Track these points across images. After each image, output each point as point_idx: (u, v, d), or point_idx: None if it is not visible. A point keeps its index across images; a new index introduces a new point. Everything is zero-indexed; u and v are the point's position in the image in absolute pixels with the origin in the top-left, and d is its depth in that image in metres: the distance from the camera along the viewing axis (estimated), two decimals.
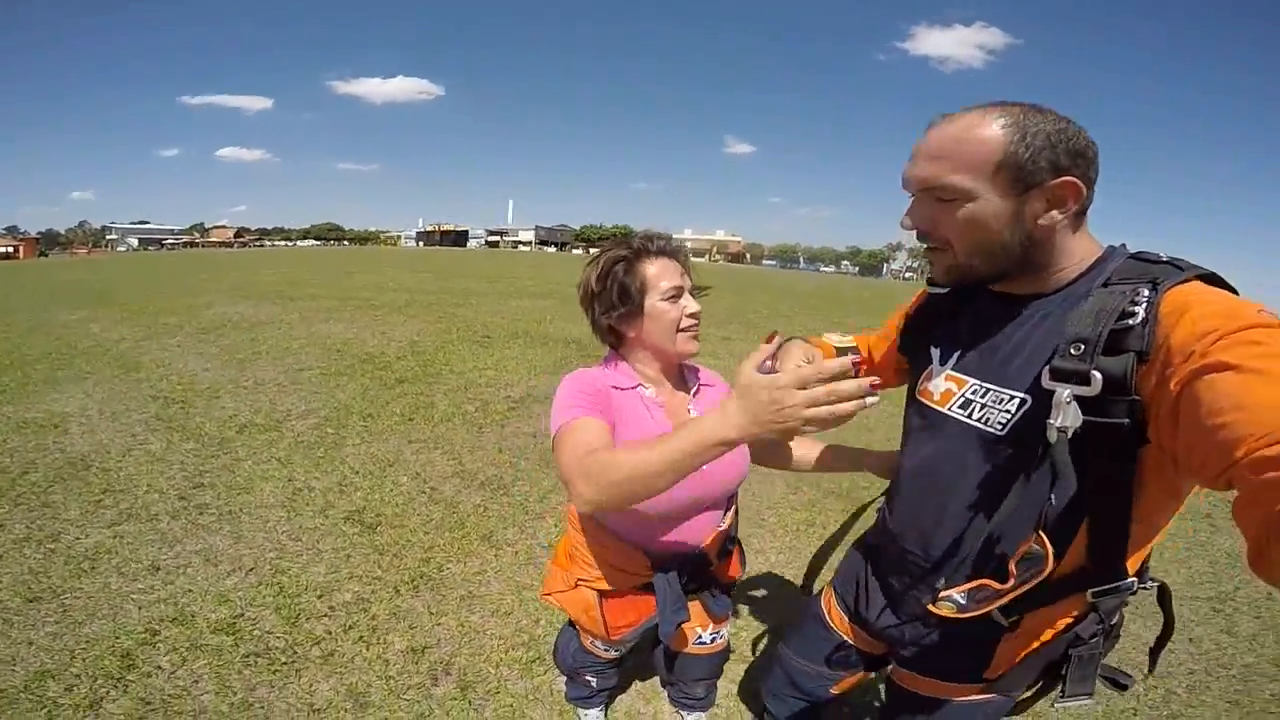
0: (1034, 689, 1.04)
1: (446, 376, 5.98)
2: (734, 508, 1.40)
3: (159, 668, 2.14)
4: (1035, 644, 0.97)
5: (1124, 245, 0.92)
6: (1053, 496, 0.82)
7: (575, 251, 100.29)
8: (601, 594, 1.33)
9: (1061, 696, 0.97)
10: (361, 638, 2.32)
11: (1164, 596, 1.00)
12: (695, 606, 1.43)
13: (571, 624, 1.58)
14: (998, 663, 1.00)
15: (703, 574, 1.35)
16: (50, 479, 3.58)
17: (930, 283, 1.09)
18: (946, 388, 1.01)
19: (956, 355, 1.02)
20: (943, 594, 0.94)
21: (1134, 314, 0.76)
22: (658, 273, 1.24)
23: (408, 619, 2.44)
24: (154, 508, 3.26)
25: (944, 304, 1.09)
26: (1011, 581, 0.86)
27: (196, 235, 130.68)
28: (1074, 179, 0.84)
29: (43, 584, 2.58)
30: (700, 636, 1.49)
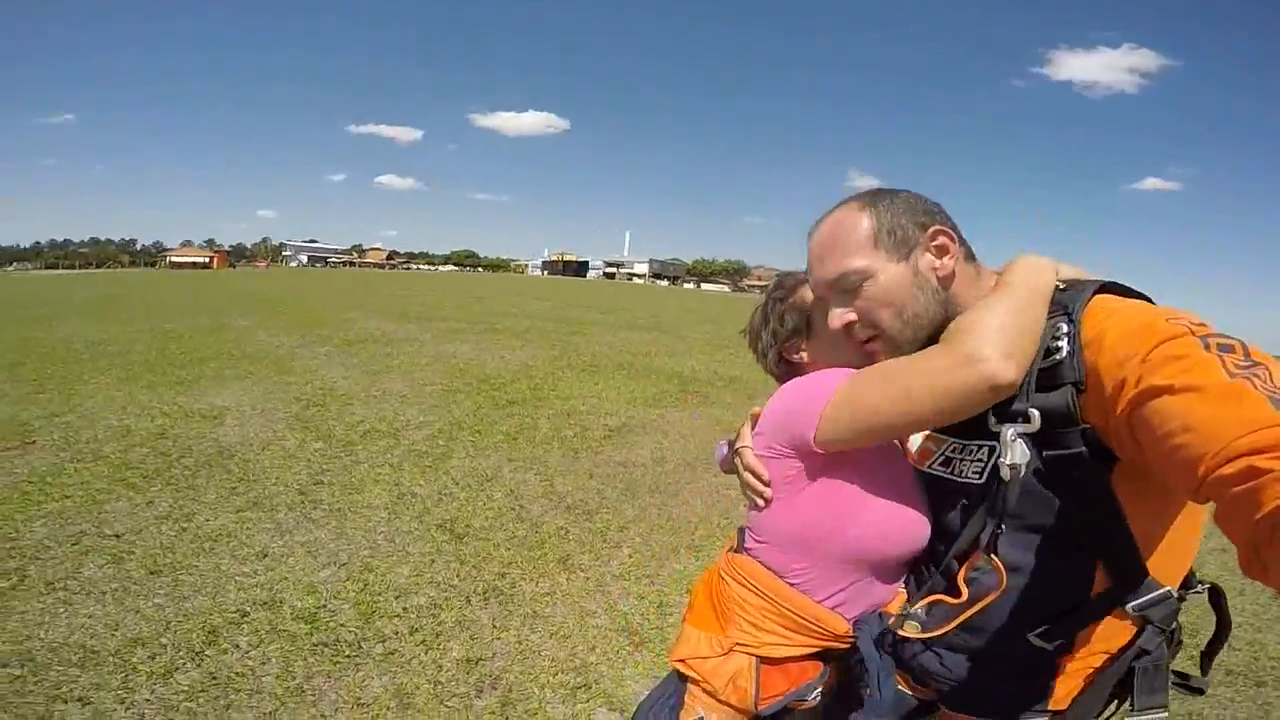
0: (1105, 713, 1.00)
1: (552, 401, 6.22)
2: None
3: (236, 646, 2.35)
4: (1096, 665, 0.94)
5: None
6: (1023, 524, 0.86)
7: (687, 285, 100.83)
8: (762, 661, 1.10)
9: (1133, 711, 0.92)
10: (424, 641, 2.42)
11: (1216, 597, 0.98)
12: None
13: (668, 693, 1.23)
14: (1060, 692, 0.95)
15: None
16: (200, 464, 4.09)
17: None
18: (924, 446, 1.04)
19: None
20: (905, 614, 0.95)
21: (1059, 348, 0.82)
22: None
23: (471, 629, 2.52)
24: (276, 499, 3.62)
25: None
26: (965, 596, 0.89)
27: (354, 255, 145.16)
28: (941, 227, 0.92)
29: (167, 559, 2.93)
30: None
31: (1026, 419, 0.81)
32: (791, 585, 1.07)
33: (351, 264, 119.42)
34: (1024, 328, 0.84)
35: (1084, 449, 0.79)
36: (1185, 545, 0.90)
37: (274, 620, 2.51)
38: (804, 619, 1.05)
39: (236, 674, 2.20)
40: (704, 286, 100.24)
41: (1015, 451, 0.81)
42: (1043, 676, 0.95)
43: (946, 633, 0.92)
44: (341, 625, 2.50)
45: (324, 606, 2.62)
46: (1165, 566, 0.88)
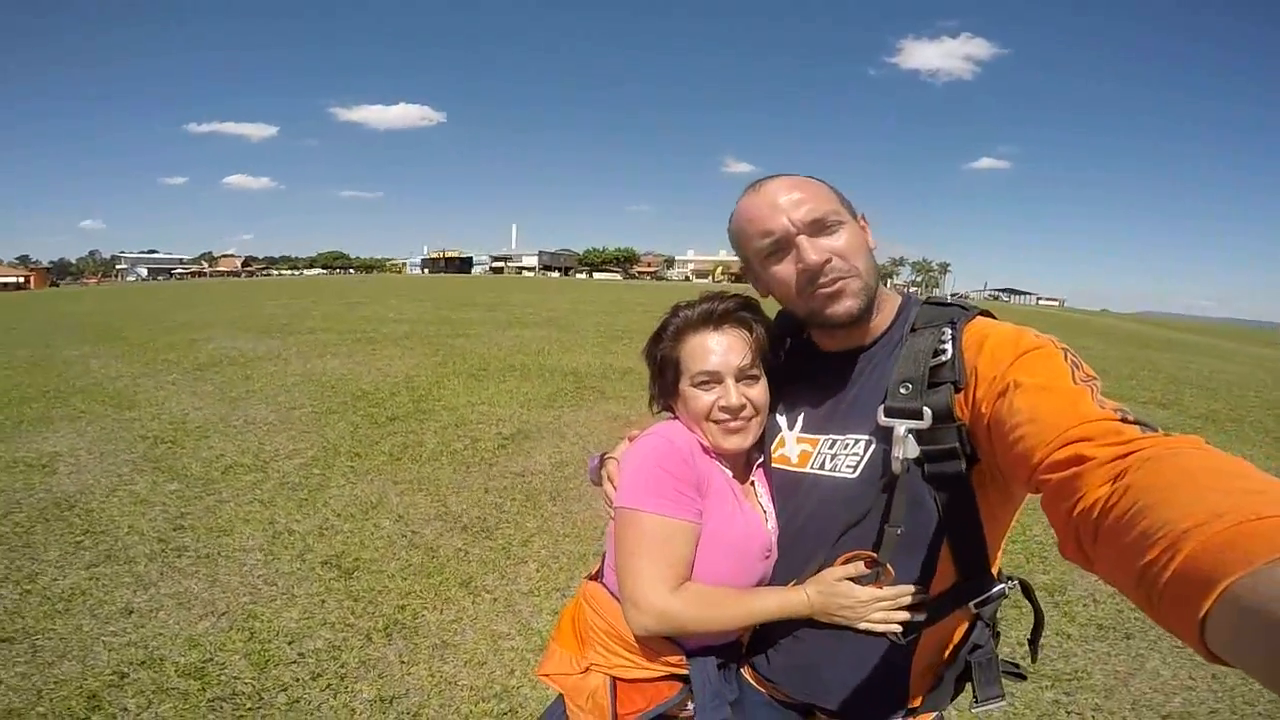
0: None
1: (438, 413, 5.99)
2: None
3: (125, 709, 2.15)
4: (942, 659, 1.03)
5: (913, 290, 1.02)
6: (903, 522, 0.92)
7: (579, 276, 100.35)
8: (617, 680, 1.14)
9: (976, 703, 1.01)
10: (329, 685, 2.30)
11: (1027, 591, 1.06)
12: None
13: (560, 703, 1.31)
14: (915, 687, 1.03)
15: (734, 662, 1.17)
16: (34, 519, 3.59)
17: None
18: (802, 449, 1.06)
19: (801, 418, 1.08)
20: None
21: (944, 350, 0.90)
22: (692, 351, 1.08)
23: (378, 668, 2.42)
24: (133, 550, 3.26)
25: (780, 372, 1.13)
26: None
27: (204, 264, 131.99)
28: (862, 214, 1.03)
29: (16, 624, 2.60)
30: None
31: (919, 416, 0.87)
32: None
33: (201, 274, 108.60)
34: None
35: (956, 444, 0.87)
36: (998, 544, 0.99)
37: (158, 679, 2.30)
38: (644, 644, 1.09)
39: None
40: (596, 275, 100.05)
41: (908, 446, 0.87)
42: (900, 676, 1.02)
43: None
44: (235, 678, 2.32)
45: (210, 660, 2.42)
46: (996, 564, 0.99)
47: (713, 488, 1.07)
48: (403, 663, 2.45)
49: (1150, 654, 2.68)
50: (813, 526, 1.03)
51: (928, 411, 0.87)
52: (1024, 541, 3.68)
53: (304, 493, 4.11)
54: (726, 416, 1.06)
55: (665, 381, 1.12)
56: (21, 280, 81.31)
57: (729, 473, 1.12)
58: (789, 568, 1.08)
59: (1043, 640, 2.55)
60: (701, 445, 1.09)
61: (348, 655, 2.48)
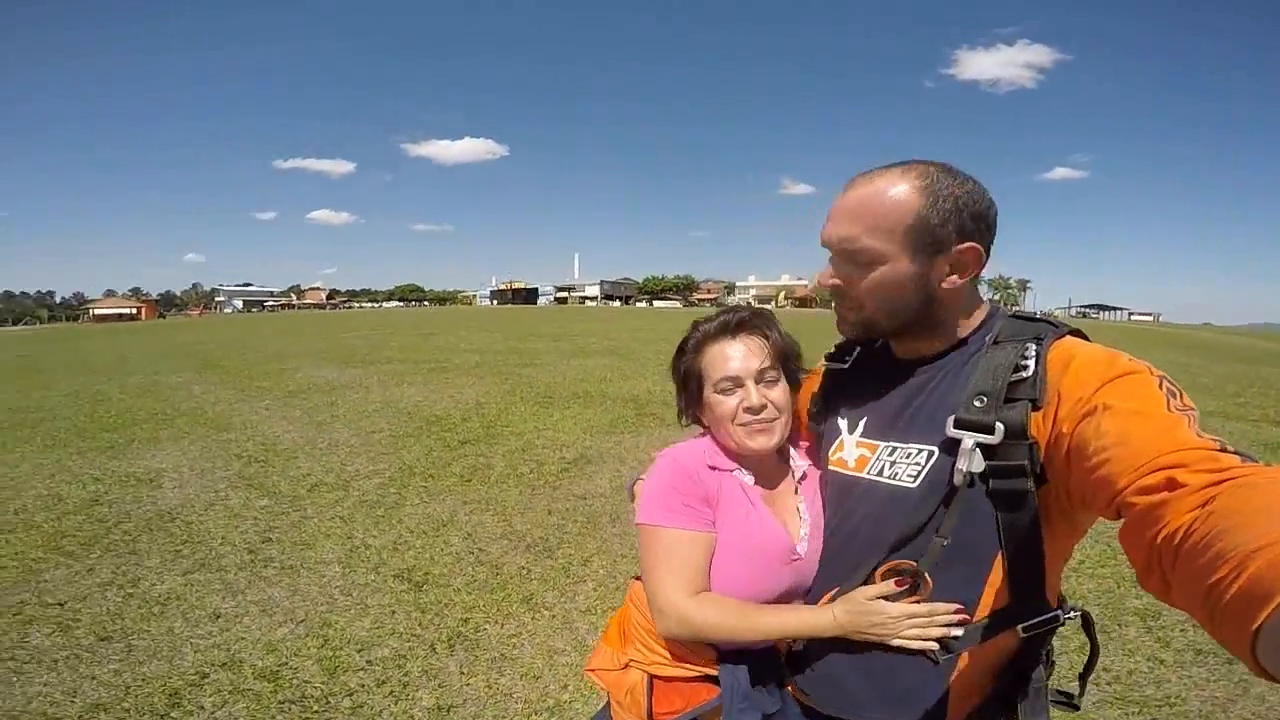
0: None
1: (507, 438, 6.18)
2: None
3: (201, 707, 2.31)
4: (987, 682, 0.98)
5: (1000, 304, 1.01)
6: (952, 534, 0.88)
7: (639, 304, 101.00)
8: (653, 678, 1.19)
9: None
10: (392, 693, 2.40)
11: (1087, 623, 1.02)
12: None
13: (607, 708, 1.38)
14: (954, 709, 0.98)
15: (776, 676, 1.18)
16: (140, 529, 3.93)
17: (829, 357, 1.17)
18: (860, 454, 1.04)
19: (864, 422, 1.06)
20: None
21: (1026, 366, 0.86)
22: (713, 360, 1.13)
23: (439, 677, 2.51)
24: (225, 559, 3.51)
25: (844, 376, 1.13)
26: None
27: (293, 297, 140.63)
28: (976, 245, 0.91)
29: (116, 625, 2.84)
30: None
31: (990, 430, 0.84)
32: None
33: (290, 306, 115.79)
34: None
35: (1026, 462, 0.83)
36: (1059, 571, 0.95)
37: (235, 680, 2.46)
38: (678, 644, 1.14)
39: None
40: (656, 304, 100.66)
41: (973, 460, 0.84)
42: (936, 695, 0.97)
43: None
44: (306, 682, 2.45)
45: (285, 664, 2.56)
46: (1053, 590, 0.93)
47: (723, 497, 1.11)
48: (462, 673, 2.53)
49: (1256, 680, 2.44)
50: (865, 532, 1.01)
51: (1000, 427, 0.83)
52: (1114, 566, 3.45)
53: (381, 510, 4.32)
54: (750, 417, 1.10)
55: (690, 393, 1.17)
56: (134, 311, 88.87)
57: (749, 480, 1.15)
58: (837, 572, 1.06)
59: (1133, 666, 2.46)
60: (710, 462, 1.14)
61: (412, 664, 2.58)
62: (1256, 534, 0.51)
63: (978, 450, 0.85)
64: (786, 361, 1.16)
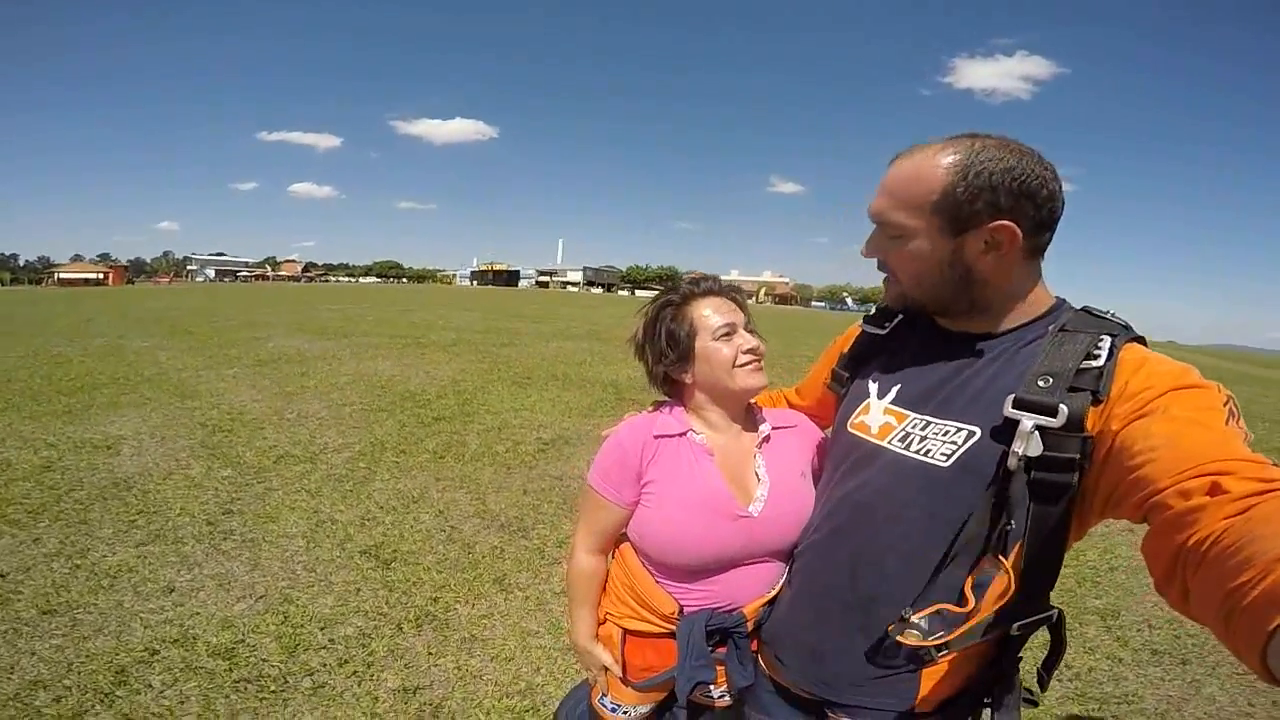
0: None
1: (482, 416, 6.05)
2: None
3: (149, 685, 2.17)
4: (965, 679, 0.96)
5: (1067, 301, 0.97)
6: (1013, 521, 0.84)
7: (621, 293, 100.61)
8: (626, 632, 1.26)
9: None
10: (355, 673, 2.29)
11: (1059, 622, 0.99)
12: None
13: (579, 688, 1.50)
14: (925, 697, 0.96)
15: (739, 639, 1.20)
16: (93, 498, 3.74)
17: (867, 319, 1.14)
18: (885, 421, 1.01)
19: (896, 389, 1.03)
20: (912, 619, 0.91)
21: (1098, 356, 0.82)
22: (706, 313, 1.19)
23: (405, 658, 2.40)
24: (182, 531, 3.35)
25: (881, 341, 1.11)
26: (971, 604, 0.87)
27: (268, 269, 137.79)
28: (1009, 222, 0.86)
29: (61, 598, 2.68)
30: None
31: (1053, 413, 0.79)
32: (643, 564, 1.22)
33: (264, 278, 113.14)
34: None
35: (1078, 456, 0.79)
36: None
37: (188, 657, 2.32)
38: (640, 593, 1.21)
39: (152, 714, 2.04)
40: (638, 293, 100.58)
41: (1031, 443, 0.80)
42: (916, 681, 0.96)
43: (954, 639, 0.89)
44: (264, 660, 2.33)
45: (242, 641, 2.43)
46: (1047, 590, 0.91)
47: (662, 461, 1.18)
48: (430, 654, 2.43)
49: (1208, 680, 2.52)
50: (885, 508, 0.95)
51: (1064, 409, 0.79)
52: (1076, 566, 3.50)
53: (349, 485, 4.17)
54: (751, 358, 1.18)
55: (680, 349, 1.19)
56: (101, 276, 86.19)
57: (701, 439, 1.21)
58: (843, 540, 1.01)
59: (1093, 664, 2.54)
60: (658, 431, 1.20)
61: (377, 644, 2.47)
62: None
63: (1036, 434, 0.80)
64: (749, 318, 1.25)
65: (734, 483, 1.16)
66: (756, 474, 1.18)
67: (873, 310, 1.16)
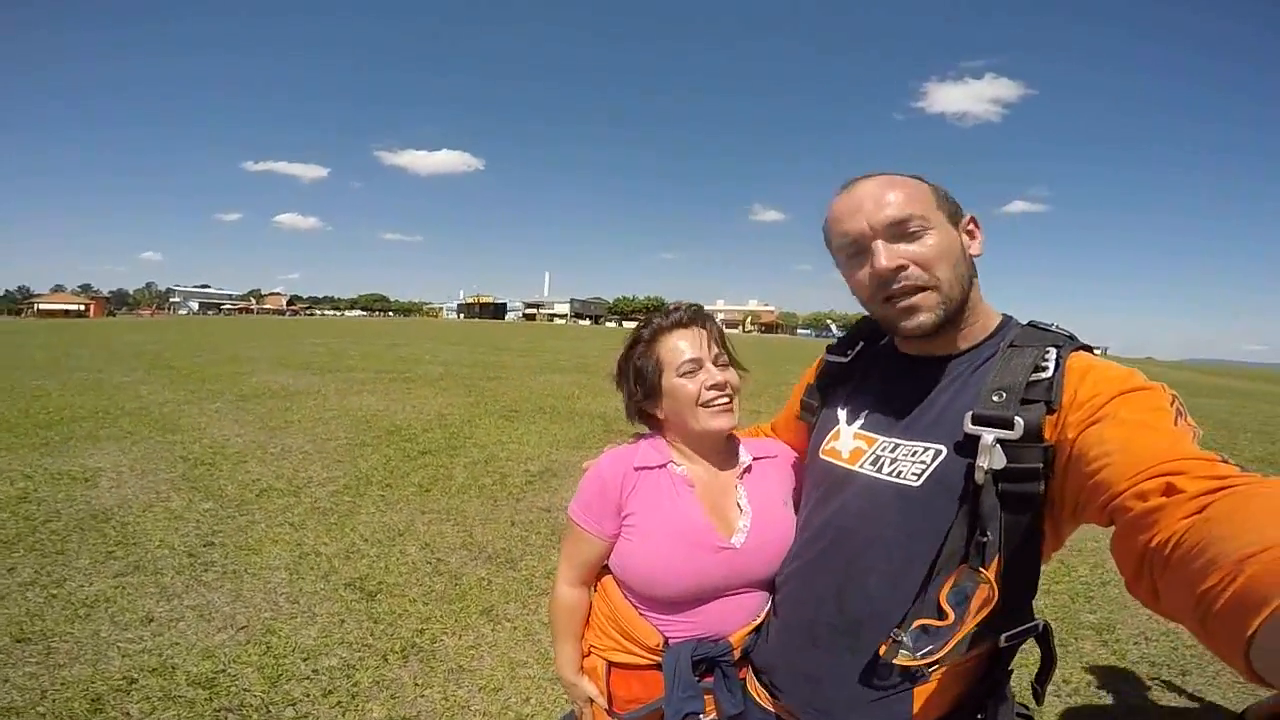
0: None
1: (469, 449, 6.01)
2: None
3: (127, 714, 2.12)
4: (957, 694, 0.95)
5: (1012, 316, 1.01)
6: (988, 533, 0.84)
7: (609, 324, 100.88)
8: (611, 665, 1.23)
9: None
10: (339, 703, 2.24)
11: (1046, 634, 1.00)
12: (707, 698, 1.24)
13: (571, 714, 1.42)
14: (920, 715, 0.94)
15: (726, 667, 1.19)
16: (70, 528, 3.66)
17: (830, 349, 1.17)
18: (855, 446, 1.02)
19: (864, 415, 1.05)
20: (895, 640, 0.90)
21: (1046, 368, 0.86)
22: (672, 348, 1.18)
23: (391, 688, 2.35)
24: (161, 562, 3.29)
25: (845, 369, 1.13)
26: (951, 617, 0.86)
27: (252, 301, 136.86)
28: (972, 215, 0.96)
29: (35, 626, 2.62)
30: None
31: (1010, 425, 0.82)
32: (625, 597, 1.21)
33: (248, 310, 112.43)
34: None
35: (1040, 465, 0.81)
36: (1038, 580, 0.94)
37: (167, 687, 2.27)
38: (624, 625, 1.19)
39: None
40: (625, 324, 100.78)
41: (995, 456, 0.82)
42: (910, 702, 0.95)
43: (941, 658, 0.88)
44: (245, 690, 2.28)
45: (223, 671, 2.38)
46: (1029, 599, 0.93)
47: (643, 493, 1.17)
48: (417, 685, 2.38)
49: (1209, 689, 2.54)
50: (864, 531, 0.96)
51: (1020, 422, 0.82)
52: (1069, 582, 3.52)
53: (334, 518, 4.11)
54: (715, 394, 1.16)
55: (648, 385, 1.20)
56: (82, 308, 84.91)
57: (682, 471, 1.20)
58: (825, 566, 1.01)
59: (1090, 679, 2.54)
60: (639, 463, 1.19)
61: (362, 675, 2.42)
62: (1249, 540, 0.50)
63: (999, 446, 0.82)
64: (727, 348, 1.22)
65: (715, 514, 1.16)
66: (739, 505, 1.18)
67: (834, 340, 1.18)
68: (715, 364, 1.18)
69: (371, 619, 2.86)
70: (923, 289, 0.91)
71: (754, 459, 1.25)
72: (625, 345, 1.25)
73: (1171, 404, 0.77)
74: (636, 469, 1.18)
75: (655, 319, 1.23)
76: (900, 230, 0.91)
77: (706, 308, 1.27)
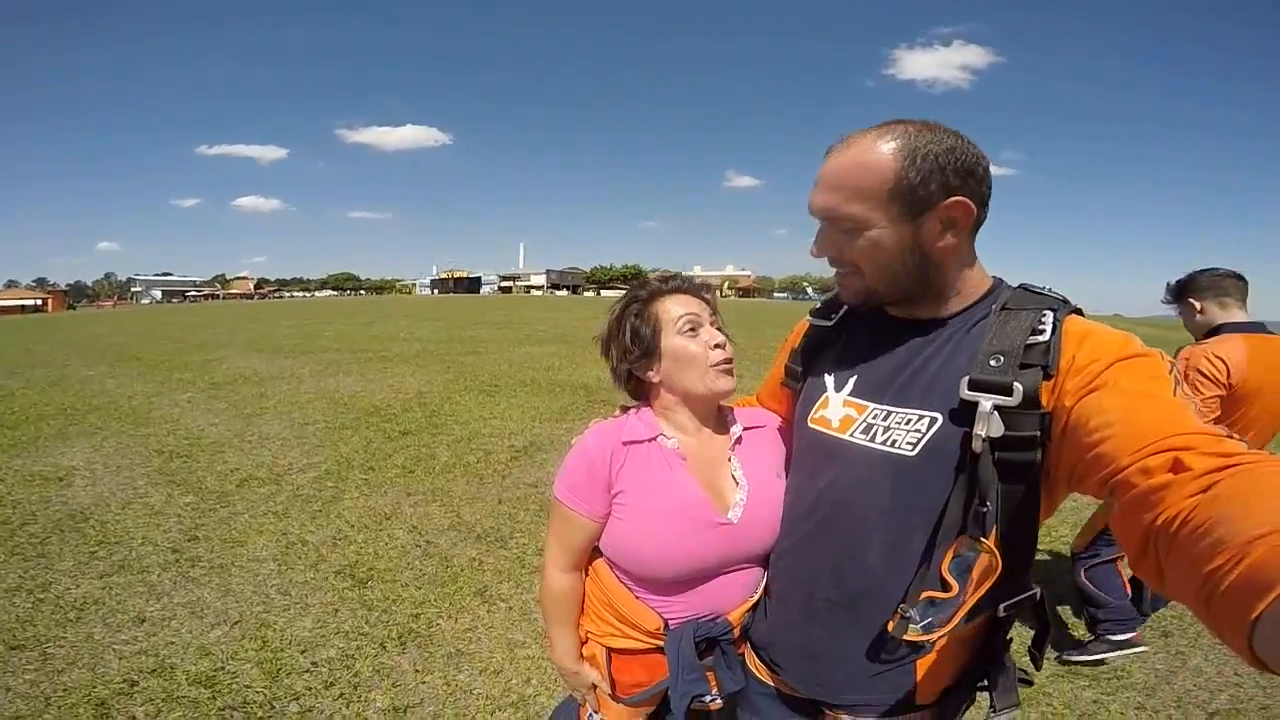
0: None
1: (451, 427, 5.98)
2: None
3: (133, 717, 2.12)
4: (958, 665, 0.97)
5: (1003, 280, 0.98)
6: (987, 503, 0.83)
7: (587, 294, 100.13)
8: (611, 650, 1.21)
9: (993, 712, 0.95)
10: (342, 694, 2.26)
11: (1040, 602, 1.00)
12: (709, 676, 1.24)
13: (571, 698, 1.41)
14: (924, 687, 0.96)
15: (725, 644, 1.18)
16: (49, 530, 3.59)
17: (813, 313, 1.14)
18: (845, 414, 0.99)
19: (853, 381, 1.01)
20: (903, 615, 0.90)
21: (1043, 331, 0.83)
22: (671, 307, 1.14)
23: (392, 676, 2.37)
24: (146, 560, 3.25)
25: (830, 333, 1.10)
26: (955, 589, 0.86)
27: (218, 287, 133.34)
28: (964, 199, 0.87)
29: (28, 632, 2.59)
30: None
31: (1008, 391, 0.80)
32: (620, 580, 1.18)
33: (214, 296, 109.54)
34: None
35: (1038, 433, 0.80)
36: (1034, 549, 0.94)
37: (168, 688, 2.27)
38: (621, 610, 1.16)
39: None
40: (604, 293, 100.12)
41: (992, 423, 0.80)
42: (912, 674, 0.96)
43: (947, 632, 0.88)
44: (247, 687, 2.28)
45: (222, 669, 2.38)
46: (1027, 568, 0.92)
47: (632, 469, 1.13)
48: (417, 671, 2.41)
49: (1192, 651, 2.63)
50: (863, 503, 0.94)
51: (1018, 388, 0.80)
52: (1049, 542, 3.63)
53: (318, 505, 4.09)
54: (721, 355, 1.13)
55: (644, 347, 1.15)
56: (39, 303, 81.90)
57: (673, 444, 1.15)
58: (822, 540, 1.00)
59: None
60: (627, 438, 1.14)
61: (361, 664, 2.44)
62: (1257, 522, 0.50)
63: (996, 414, 0.80)
64: (720, 318, 1.20)
65: (709, 488, 1.12)
66: (734, 478, 1.14)
67: (818, 304, 1.15)
68: (714, 326, 1.17)
69: (365, 606, 2.86)
70: (845, 273, 0.95)
71: (744, 429, 1.22)
72: (618, 306, 1.20)
73: (1170, 372, 0.76)
74: (625, 444, 1.13)
75: (652, 282, 1.20)
76: (830, 221, 0.93)
77: (684, 273, 1.24)
